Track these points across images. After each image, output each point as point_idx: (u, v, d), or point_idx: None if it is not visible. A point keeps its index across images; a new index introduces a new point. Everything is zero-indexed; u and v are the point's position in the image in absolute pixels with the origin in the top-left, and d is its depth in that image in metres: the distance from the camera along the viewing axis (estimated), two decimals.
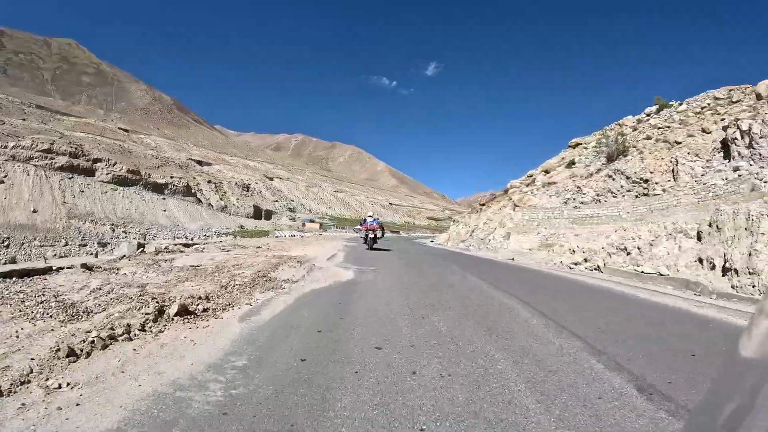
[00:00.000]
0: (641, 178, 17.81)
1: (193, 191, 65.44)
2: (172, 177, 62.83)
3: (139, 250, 15.62)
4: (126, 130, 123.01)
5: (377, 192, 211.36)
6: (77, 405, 2.37)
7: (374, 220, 16.57)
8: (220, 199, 69.40)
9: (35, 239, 37.42)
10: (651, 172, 17.57)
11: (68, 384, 2.63)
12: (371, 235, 16.13)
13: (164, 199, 55.10)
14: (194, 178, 71.49)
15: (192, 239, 49.96)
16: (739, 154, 14.60)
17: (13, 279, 7.27)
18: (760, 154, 13.82)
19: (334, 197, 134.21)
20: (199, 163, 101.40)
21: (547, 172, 25.78)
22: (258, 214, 76.13)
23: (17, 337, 3.57)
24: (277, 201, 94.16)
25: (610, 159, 20.70)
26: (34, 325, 3.99)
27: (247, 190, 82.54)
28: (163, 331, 3.91)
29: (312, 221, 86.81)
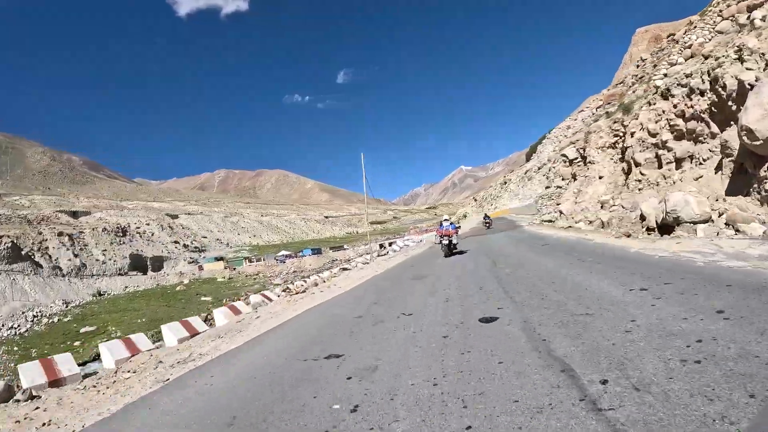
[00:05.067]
0: None
1: (28, 252, 48.30)
2: None
3: None
4: None
5: (310, 208, 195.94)
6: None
7: (451, 224, 15.57)
8: (75, 255, 52.37)
9: None
10: None
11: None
12: (446, 241, 14.87)
13: None
14: (39, 234, 53.93)
15: None
16: None
17: None
18: None
19: (259, 223, 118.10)
20: (74, 214, 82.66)
21: None
22: (139, 265, 59.55)
23: None
24: (176, 242, 77.01)
25: None
26: None
27: (124, 236, 65.37)
28: None
29: (219, 259, 70.90)
